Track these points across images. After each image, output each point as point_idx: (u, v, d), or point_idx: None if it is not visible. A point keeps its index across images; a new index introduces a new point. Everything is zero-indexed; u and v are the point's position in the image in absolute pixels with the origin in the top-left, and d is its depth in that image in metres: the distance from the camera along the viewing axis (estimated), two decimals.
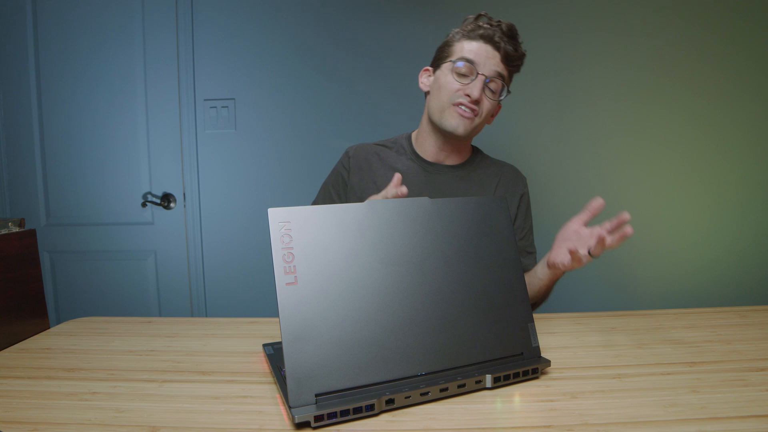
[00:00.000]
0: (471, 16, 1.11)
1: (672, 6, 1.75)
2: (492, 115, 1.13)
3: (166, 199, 1.92)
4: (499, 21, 1.08)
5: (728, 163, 1.79)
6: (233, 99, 1.89)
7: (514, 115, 1.81)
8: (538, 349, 0.72)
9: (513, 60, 1.08)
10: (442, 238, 0.71)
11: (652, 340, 0.86)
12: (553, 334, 0.91)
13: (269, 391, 0.69)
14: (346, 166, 1.19)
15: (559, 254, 0.87)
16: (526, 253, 1.18)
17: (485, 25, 1.06)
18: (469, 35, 1.07)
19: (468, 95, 1.05)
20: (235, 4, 1.86)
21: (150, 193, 1.93)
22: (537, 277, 1.02)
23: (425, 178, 1.14)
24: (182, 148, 1.91)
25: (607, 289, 1.83)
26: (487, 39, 1.05)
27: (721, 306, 1.05)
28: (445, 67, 1.09)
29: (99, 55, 1.89)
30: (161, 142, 1.91)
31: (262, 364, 0.79)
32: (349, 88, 1.83)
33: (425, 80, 1.16)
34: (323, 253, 0.65)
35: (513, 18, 1.09)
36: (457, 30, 1.11)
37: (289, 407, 0.59)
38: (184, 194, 1.92)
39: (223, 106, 1.89)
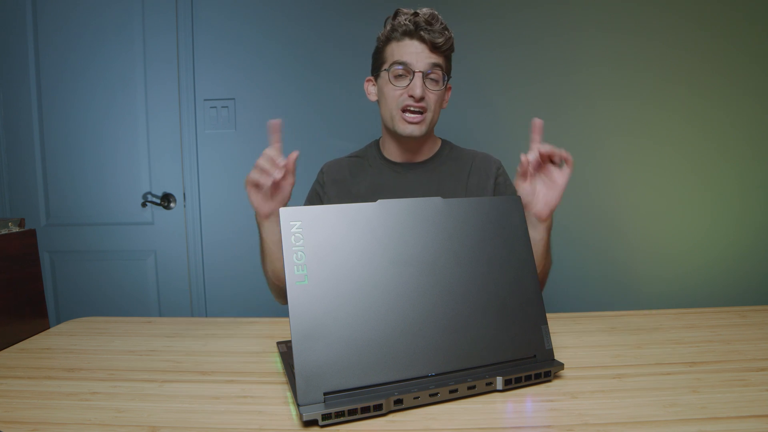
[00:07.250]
0: (389, 16, 1.12)
1: (672, 6, 1.75)
2: (442, 103, 1.15)
3: (166, 199, 1.92)
4: (416, 12, 1.08)
5: (728, 163, 1.79)
6: (233, 99, 1.89)
7: (514, 114, 1.81)
8: (551, 351, 0.71)
9: (442, 46, 1.08)
10: (454, 238, 0.70)
11: (652, 340, 0.86)
12: (553, 334, 0.91)
13: (269, 391, 0.69)
14: (321, 182, 1.23)
15: (525, 189, 0.93)
16: None
17: (405, 21, 1.07)
18: (394, 36, 1.09)
19: (411, 96, 1.07)
20: (235, 4, 1.86)
21: (150, 193, 1.93)
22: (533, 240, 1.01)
23: (396, 179, 1.18)
24: (182, 148, 1.91)
25: (607, 289, 1.83)
26: (411, 34, 1.07)
27: (721, 306, 1.05)
28: (383, 75, 1.12)
29: (99, 55, 1.89)
30: (161, 142, 1.91)
31: (262, 364, 0.79)
32: (348, 88, 1.83)
33: (371, 90, 1.19)
34: (334, 252, 0.65)
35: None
36: (381, 33, 1.13)
37: (298, 405, 0.59)
38: (184, 194, 1.92)
39: (223, 106, 1.89)
